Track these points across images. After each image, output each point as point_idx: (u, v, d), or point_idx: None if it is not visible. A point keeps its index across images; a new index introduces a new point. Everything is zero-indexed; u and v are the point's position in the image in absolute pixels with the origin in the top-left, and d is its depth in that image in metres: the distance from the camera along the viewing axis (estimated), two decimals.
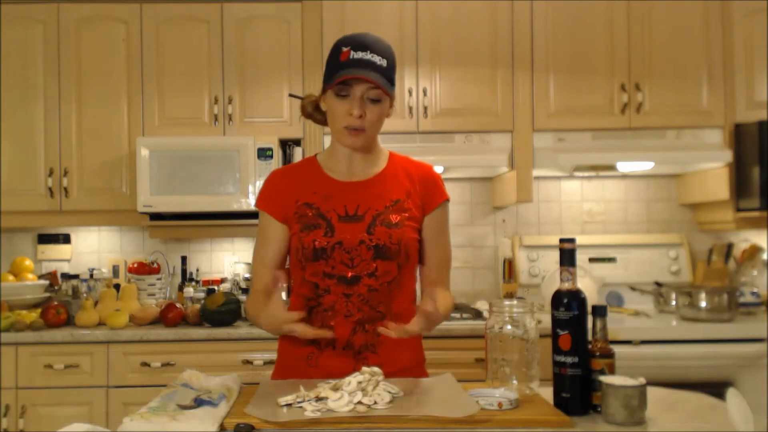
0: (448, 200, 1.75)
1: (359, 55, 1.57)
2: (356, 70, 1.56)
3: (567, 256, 1.41)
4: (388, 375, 1.56)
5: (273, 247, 1.72)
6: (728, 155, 3.06)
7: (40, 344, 2.79)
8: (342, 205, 1.66)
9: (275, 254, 1.72)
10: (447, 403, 1.33)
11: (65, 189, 3.12)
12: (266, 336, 2.79)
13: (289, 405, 1.34)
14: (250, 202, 3.02)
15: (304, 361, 1.66)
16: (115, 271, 3.46)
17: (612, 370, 1.38)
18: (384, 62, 1.59)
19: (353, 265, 1.63)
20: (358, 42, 1.59)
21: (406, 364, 1.67)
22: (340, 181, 1.70)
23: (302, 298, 1.70)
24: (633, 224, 3.54)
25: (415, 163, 1.76)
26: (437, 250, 1.73)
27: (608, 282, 3.31)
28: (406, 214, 1.67)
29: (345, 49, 1.59)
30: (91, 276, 3.25)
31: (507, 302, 1.49)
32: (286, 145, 3.18)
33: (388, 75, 1.60)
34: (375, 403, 1.32)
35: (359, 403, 1.31)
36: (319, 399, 1.34)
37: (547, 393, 1.44)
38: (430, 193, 1.71)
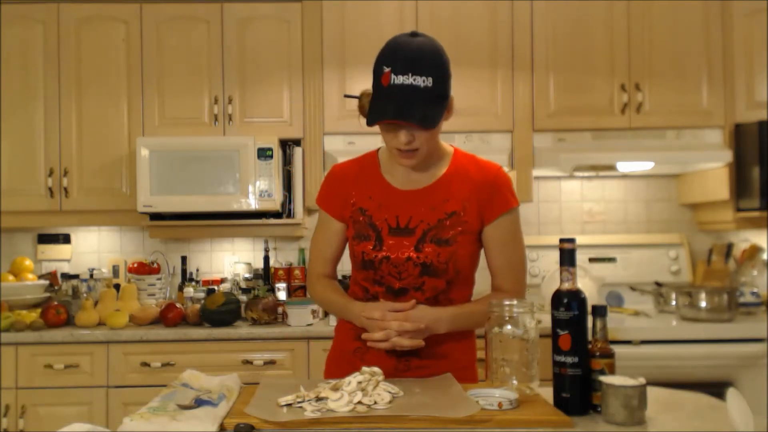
0: (514, 207, 1.66)
1: (401, 80, 1.47)
2: (396, 106, 1.47)
3: (567, 256, 1.41)
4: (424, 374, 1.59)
5: (332, 244, 1.75)
6: (728, 155, 3.05)
7: (40, 344, 2.79)
8: (394, 216, 1.64)
9: (334, 250, 1.76)
10: (447, 403, 1.33)
11: (65, 189, 3.12)
12: (266, 336, 2.81)
13: (289, 405, 1.34)
14: (250, 202, 3.02)
15: (351, 353, 1.71)
16: (115, 271, 3.46)
17: (612, 370, 1.38)
18: (429, 82, 1.48)
19: (401, 278, 1.63)
20: (400, 61, 1.48)
21: (451, 367, 1.64)
22: (396, 189, 1.66)
23: (355, 296, 1.73)
24: (633, 224, 3.54)
25: (481, 164, 1.68)
26: (502, 257, 1.67)
27: (608, 282, 3.31)
28: (460, 228, 1.63)
29: (386, 70, 1.49)
30: (91, 276, 3.25)
31: (507, 302, 1.49)
32: (286, 145, 3.18)
33: (435, 94, 1.50)
34: (375, 403, 1.32)
35: (359, 403, 1.31)
36: (319, 399, 1.34)
37: (547, 393, 1.43)
38: (491, 202, 1.64)
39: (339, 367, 1.71)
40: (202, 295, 3.06)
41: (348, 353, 1.71)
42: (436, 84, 1.50)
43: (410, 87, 1.48)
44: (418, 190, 1.65)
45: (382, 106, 1.50)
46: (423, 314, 1.57)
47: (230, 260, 3.49)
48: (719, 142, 3.15)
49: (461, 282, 1.68)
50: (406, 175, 1.66)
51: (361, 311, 1.61)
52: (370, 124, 1.54)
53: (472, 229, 1.64)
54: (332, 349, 1.81)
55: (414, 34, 1.55)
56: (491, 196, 1.64)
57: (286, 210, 3.14)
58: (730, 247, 3.32)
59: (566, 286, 1.40)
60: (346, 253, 1.77)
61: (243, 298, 3.04)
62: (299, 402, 1.34)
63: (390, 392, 1.37)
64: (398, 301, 1.63)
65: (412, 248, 1.61)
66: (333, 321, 2.85)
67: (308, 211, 3.26)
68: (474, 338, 1.76)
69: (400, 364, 1.59)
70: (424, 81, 1.48)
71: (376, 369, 1.43)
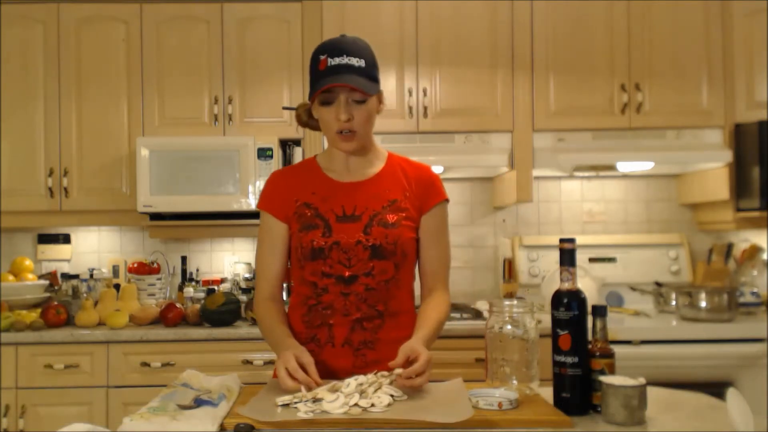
0: (445, 201, 1.76)
1: (336, 61, 1.60)
2: (334, 77, 1.58)
3: (567, 256, 1.41)
4: (386, 370, 1.57)
5: (276, 248, 1.74)
6: (728, 155, 3.05)
7: (40, 344, 2.79)
8: (340, 205, 1.69)
9: (279, 254, 1.75)
10: (444, 408, 1.32)
11: (65, 189, 3.12)
12: None
13: (286, 405, 1.34)
14: (250, 202, 3.02)
15: None
16: (115, 271, 3.46)
17: (612, 370, 1.38)
18: (362, 62, 1.61)
19: (350, 265, 1.65)
20: (334, 48, 1.62)
21: None
22: (338, 182, 1.72)
23: (302, 296, 1.72)
24: (633, 224, 3.54)
25: (413, 164, 1.78)
26: (435, 250, 1.74)
27: (608, 282, 3.31)
28: (403, 214, 1.69)
29: (322, 58, 1.61)
30: (91, 276, 3.25)
31: (507, 302, 1.49)
32: (286, 145, 3.18)
33: (367, 74, 1.62)
34: (372, 405, 1.32)
35: (355, 405, 1.31)
36: (316, 400, 1.34)
37: (547, 393, 1.44)
38: (426, 193, 1.73)
39: None
40: (202, 295, 3.06)
41: None
42: (368, 66, 1.63)
43: (346, 65, 1.60)
44: (360, 181, 1.72)
45: (321, 82, 1.60)
46: (413, 345, 1.49)
47: (230, 260, 3.49)
48: (719, 142, 3.15)
49: (407, 269, 1.70)
50: (346, 170, 1.73)
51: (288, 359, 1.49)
52: (311, 98, 1.64)
53: (412, 216, 1.70)
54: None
55: (343, 36, 1.68)
56: (426, 189, 1.74)
57: None
58: (730, 247, 3.32)
59: (566, 286, 1.40)
60: None
61: (243, 298, 3.04)
62: (296, 402, 1.34)
63: (391, 395, 1.37)
64: (350, 289, 1.64)
65: (361, 232, 1.65)
66: None
67: None
68: None
69: (357, 360, 1.60)
70: (357, 61, 1.61)
71: (384, 372, 1.44)
